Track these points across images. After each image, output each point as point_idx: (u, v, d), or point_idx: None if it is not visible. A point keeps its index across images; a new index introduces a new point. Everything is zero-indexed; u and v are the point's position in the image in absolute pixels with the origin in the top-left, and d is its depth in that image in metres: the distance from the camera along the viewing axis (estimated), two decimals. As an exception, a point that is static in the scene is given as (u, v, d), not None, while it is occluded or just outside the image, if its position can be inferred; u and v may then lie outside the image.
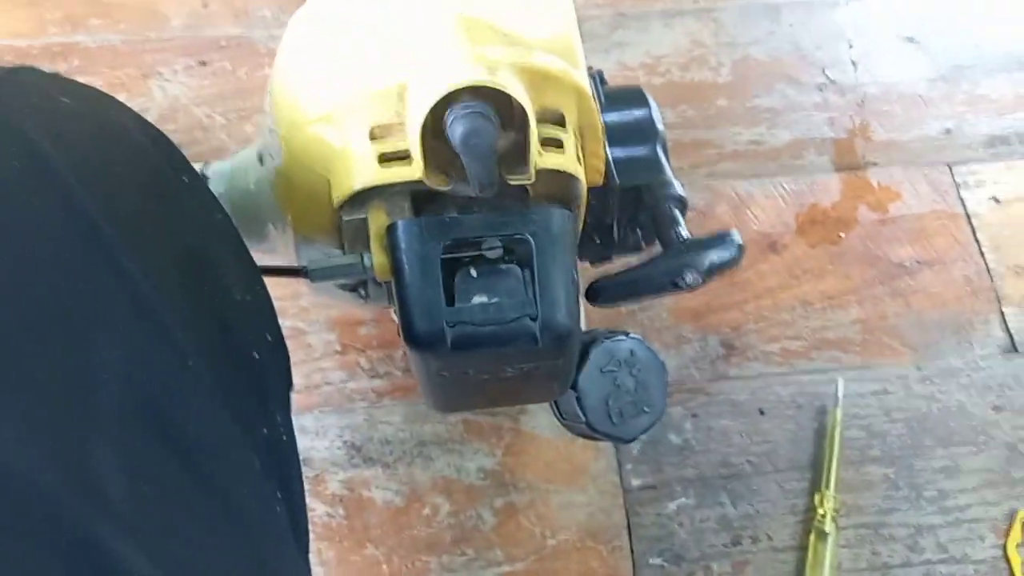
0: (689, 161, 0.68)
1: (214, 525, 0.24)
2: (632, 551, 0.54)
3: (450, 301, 0.34)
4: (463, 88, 0.32)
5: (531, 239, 0.35)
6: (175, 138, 0.33)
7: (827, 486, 0.55)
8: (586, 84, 0.37)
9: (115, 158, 0.28)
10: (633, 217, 0.45)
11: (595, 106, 0.38)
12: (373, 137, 0.35)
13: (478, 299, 0.35)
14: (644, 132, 0.45)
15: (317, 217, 0.38)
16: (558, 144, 0.36)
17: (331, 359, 0.58)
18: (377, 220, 0.35)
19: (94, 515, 0.20)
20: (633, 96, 0.46)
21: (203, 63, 0.68)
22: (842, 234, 0.65)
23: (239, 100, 0.67)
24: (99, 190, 0.26)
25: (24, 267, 0.23)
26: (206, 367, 0.26)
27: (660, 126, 0.46)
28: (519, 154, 0.35)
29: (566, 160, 0.36)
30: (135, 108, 0.33)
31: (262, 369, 0.30)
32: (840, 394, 0.58)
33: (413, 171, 0.34)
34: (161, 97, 0.66)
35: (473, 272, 0.35)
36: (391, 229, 0.35)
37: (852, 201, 0.67)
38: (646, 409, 0.42)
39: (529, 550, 0.54)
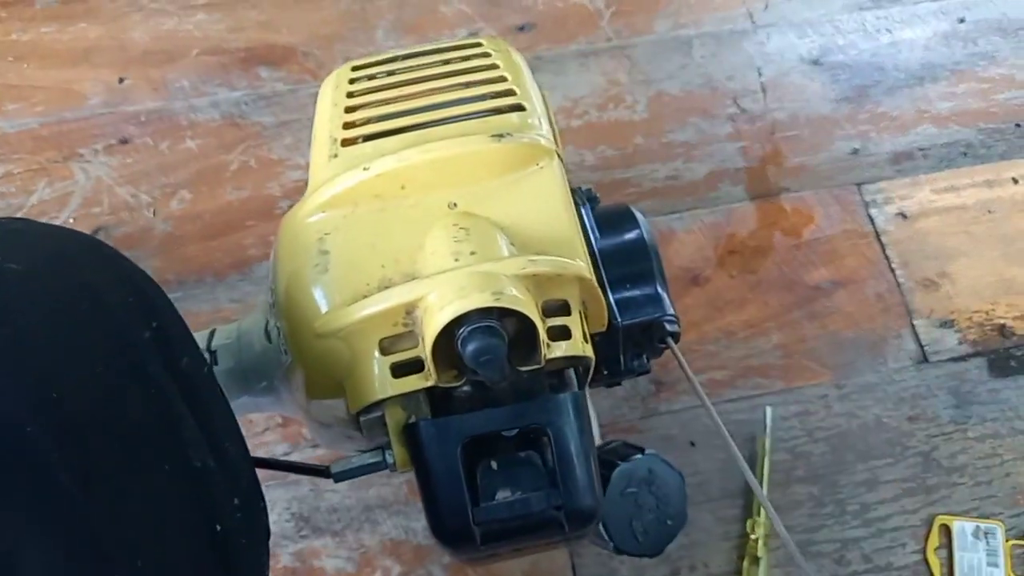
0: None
1: None
2: (577, 592, 0.57)
3: (475, 498, 0.35)
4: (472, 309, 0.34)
5: (548, 429, 0.36)
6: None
7: (758, 513, 0.58)
8: (586, 269, 0.38)
9: (63, 341, 0.27)
10: (638, 345, 0.46)
11: (595, 283, 0.39)
12: (383, 349, 0.36)
13: (502, 494, 0.35)
14: (640, 265, 0.45)
15: (333, 409, 0.39)
16: (566, 333, 0.37)
17: (274, 432, 0.60)
18: (395, 417, 0.36)
19: None
20: (623, 219, 0.47)
21: (124, 140, 0.69)
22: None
23: (163, 176, 0.67)
24: (38, 388, 0.25)
25: None
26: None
27: (650, 240, 0.46)
28: (529, 346, 0.36)
29: (573, 344, 0.37)
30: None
31: (227, 538, 0.29)
32: (768, 422, 0.61)
33: (426, 380, 0.35)
34: (84, 179, 0.66)
35: (494, 464, 0.36)
36: (410, 429, 0.36)
37: (768, 229, 0.71)
38: (669, 522, 0.44)
39: (479, 601, 0.56)
